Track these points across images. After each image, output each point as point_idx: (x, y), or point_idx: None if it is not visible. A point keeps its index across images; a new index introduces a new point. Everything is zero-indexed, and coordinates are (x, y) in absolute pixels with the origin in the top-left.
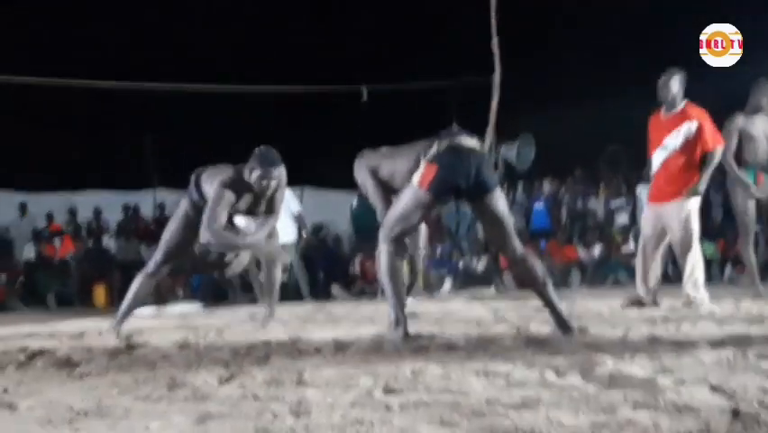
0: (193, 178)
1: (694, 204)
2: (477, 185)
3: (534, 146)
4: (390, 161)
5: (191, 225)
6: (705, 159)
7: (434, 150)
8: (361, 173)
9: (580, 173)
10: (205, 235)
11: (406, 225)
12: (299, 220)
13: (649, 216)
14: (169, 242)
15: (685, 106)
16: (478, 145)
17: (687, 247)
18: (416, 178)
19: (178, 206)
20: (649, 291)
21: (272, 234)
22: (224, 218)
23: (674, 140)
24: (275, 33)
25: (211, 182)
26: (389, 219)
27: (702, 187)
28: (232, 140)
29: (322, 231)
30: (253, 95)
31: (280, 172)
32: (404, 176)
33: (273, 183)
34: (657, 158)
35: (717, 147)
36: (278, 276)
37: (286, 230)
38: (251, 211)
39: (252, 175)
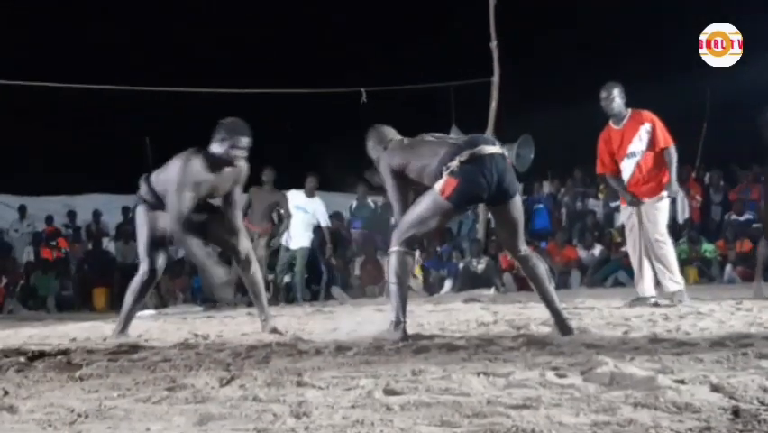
0: (144, 183)
1: (665, 205)
2: (498, 193)
3: (533, 147)
4: (418, 160)
5: (157, 221)
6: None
7: (455, 162)
8: (384, 170)
9: (580, 174)
10: (171, 226)
11: (422, 230)
12: (326, 234)
13: (629, 211)
14: (146, 238)
15: (633, 113)
16: (500, 150)
17: (659, 245)
18: (438, 185)
19: (137, 216)
20: (645, 288)
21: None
22: (190, 202)
23: (639, 145)
24: (275, 35)
25: (167, 168)
26: (406, 221)
27: (675, 184)
28: None
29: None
30: (253, 97)
31: (249, 145)
32: (431, 176)
33: (242, 154)
34: (627, 166)
35: (670, 145)
36: (260, 276)
37: (302, 236)
38: (204, 204)
39: (221, 147)
